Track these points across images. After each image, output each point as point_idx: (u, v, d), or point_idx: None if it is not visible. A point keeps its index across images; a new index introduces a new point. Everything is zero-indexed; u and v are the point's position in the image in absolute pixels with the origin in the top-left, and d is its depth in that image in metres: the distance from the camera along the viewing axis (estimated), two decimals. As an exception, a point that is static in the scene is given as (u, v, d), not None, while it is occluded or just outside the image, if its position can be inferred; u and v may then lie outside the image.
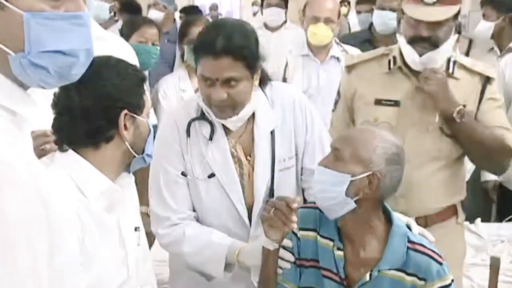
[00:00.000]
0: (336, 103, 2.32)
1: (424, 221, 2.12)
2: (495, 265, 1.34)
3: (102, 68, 1.46)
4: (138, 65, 1.90)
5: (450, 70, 2.13)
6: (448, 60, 2.13)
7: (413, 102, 2.13)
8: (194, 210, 1.92)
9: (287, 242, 1.77)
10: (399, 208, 1.89)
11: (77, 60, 0.99)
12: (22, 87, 0.96)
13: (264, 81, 1.89)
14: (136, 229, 1.58)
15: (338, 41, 3.46)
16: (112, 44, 2.22)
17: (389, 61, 2.18)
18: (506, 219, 3.41)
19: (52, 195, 0.96)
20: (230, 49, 1.72)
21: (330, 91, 3.19)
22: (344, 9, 6.50)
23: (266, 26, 4.47)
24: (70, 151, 1.47)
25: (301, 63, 3.34)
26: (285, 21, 4.59)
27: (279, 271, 1.77)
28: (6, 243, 0.86)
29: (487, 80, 2.14)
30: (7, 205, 0.86)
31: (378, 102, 2.16)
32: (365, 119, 2.18)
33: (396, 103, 2.14)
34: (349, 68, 2.27)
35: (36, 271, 0.91)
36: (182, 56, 3.28)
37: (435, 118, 2.09)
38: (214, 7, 10.42)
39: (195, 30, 2.95)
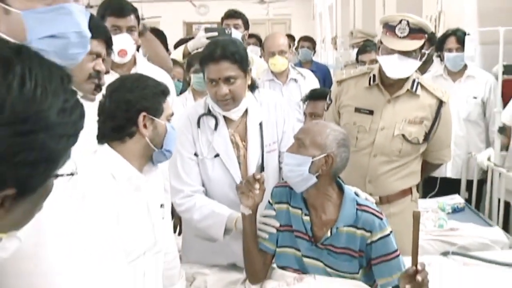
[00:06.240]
0: (328, 106, 2.75)
1: (386, 199, 2.57)
2: (416, 217, 1.69)
3: (127, 81, 1.71)
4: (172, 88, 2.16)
5: (414, 89, 2.55)
6: (413, 81, 2.56)
7: (384, 112, 2.55)
8: (203, 185, 2.28)
9: (269, 212, 2.06)
10: (367, 190, 2.28)
11: (69, 41, 1.14)
12: None
13: (253, 87, 2.33)
14: (161, 206, 1.79)
15: (293, 66, 4.16)
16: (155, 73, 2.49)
17: (370, 78, 2.60)
18: (429, 195, 3.76)
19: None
20: (226, 54, 2.14)
21: (291, 105, 3.78)
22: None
23: None
24: (106, 145, 1.67)
25: (268, 85, 3.97)
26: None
27: (264, 235, 2.02)
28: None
29: (441, 103, 2.55)
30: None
31: (358, 110, 2.60)
32: (346, 122, 2.61)
33: (370, 112, 2.57)
34: (339, 82, 2.69)
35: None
36: (189, 82, 3.73)
37: (400, 126, 2.52)
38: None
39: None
